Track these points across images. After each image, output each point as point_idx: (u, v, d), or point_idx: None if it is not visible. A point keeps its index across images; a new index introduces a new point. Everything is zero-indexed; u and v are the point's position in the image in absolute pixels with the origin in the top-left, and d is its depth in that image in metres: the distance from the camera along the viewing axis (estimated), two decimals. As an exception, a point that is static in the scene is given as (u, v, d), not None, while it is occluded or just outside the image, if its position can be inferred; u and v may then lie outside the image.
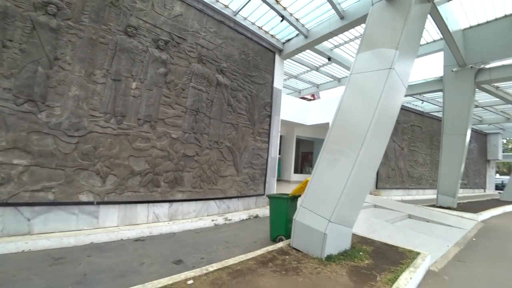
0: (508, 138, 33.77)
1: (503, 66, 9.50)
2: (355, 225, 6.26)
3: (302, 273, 3.34)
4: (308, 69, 12.12)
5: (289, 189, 13.79)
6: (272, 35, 7.93)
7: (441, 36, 9.77)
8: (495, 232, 7.73)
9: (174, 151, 5.69)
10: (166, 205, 5.64)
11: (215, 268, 3.39)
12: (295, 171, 17.31)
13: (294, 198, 4.76)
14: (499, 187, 23.58)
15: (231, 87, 6.83)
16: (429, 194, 15.13)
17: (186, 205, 5.96)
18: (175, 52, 5.78)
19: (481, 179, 21.93)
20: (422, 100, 13.43)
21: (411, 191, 14.63)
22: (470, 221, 8.75)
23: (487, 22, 9.32)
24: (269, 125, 7.85)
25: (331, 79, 15.43)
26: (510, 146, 37.56)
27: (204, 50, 6.26)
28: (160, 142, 5.49)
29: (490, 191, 22.45)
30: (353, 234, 5.22)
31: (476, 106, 13.90)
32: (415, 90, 11.63)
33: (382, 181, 13.01)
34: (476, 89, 10.72)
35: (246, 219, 6.87)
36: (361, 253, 4.11)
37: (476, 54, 9.50)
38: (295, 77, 13.53)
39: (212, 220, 6.13)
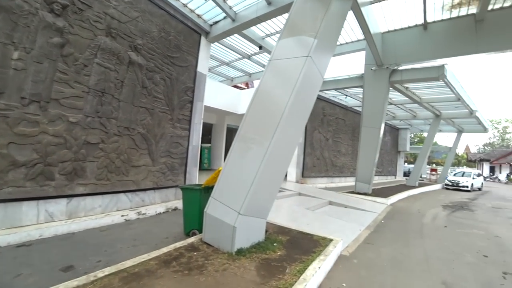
0: (415, 133, 39.13)
1: (412, 69, 10.65)
2: (275, 214, 6.32)
3: (207, 271, 3.07)
4: (240, 56, 11.88)
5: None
6: (198, 15, 7.37)
7: (364, 37, 10.51)
8: (400, 213, 8.69)
9: (72, 138, 4.82)
10: (63, 201, 4.79)
11: (106, 273, 2.90)
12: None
13: (208, 189, 4.45)
14: (406, 174, 27.28)
15: (147, 68, 6.11)
16: (350, 182, 16.50)
17: (90, 200, 5.17)
18: (76, 20, 4.85)
19: (393, 167, 24.95)
20: (346, 95, 14.42)
21: (334, 179, 15.74)
22: (381, 204, 9.71)
23: (402, 28, 10.29)
24: (191, 111, 7.32)
25: (263, 69, 15.51)
26: (416, 140, 43.63)
27: (114, 22, 5.41)
28: (53, 127, 4.57)
29: (400, 178, 25.76)
30: (271, 224, 5.20)
31: (390, 104, 15.49)
32: (339, 85, 12.38)
33: (308, 170, 13.67)
34: (390, 88, 11.87)
35: (164, 212, 6.36)
36: (275, 244, 4.03)
37: (391, 56, 10.43)
38: (227, 64, 13.17)
39: (123, 216, 5.47)
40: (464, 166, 40.77)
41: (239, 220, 3.58)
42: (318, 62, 4.19)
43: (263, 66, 12.94)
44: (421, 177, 22.75)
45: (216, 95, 14.18)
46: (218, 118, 17.10)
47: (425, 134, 38.76)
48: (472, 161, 43.26)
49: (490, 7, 8.73)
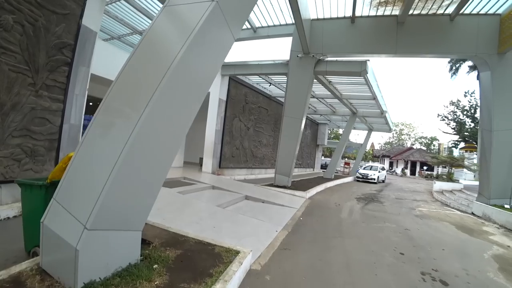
0: (331, 129, 42.18)
1: (337, 61, 10.48)
2: (175, 215, 4.96)
3: None
4: (155, 25, 10.02)
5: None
6: None
7: (293, 21, 9.91)
8: (318, 208, 8.36)
9: None
10: None
11: None
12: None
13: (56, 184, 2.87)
14: (323, 166, 28.95)
15: (-16, -2, 4.05)
16: (270, 173, 16.12)
17: None
18: None
19: (311, 160, 26.06)
20: (270, 83, 13.77)
21: (254, 171, 15.14)
22: (300, 198, 9.32)
23: (331, 18, 10.00)
24: (68, 77, 5.32)
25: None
26: (332, 136, 47.25)
27: None
28: None
29: (317, 170, 27.12)
30: (163, 231, 3.91)
31: (313, 97, 15.59)
32: (263, 70, 11.58)
33: (226, 161, 12.67)
34: (314, 81, 11.69)
35: (15, 216, 4.44)
36: (155, 266, 2.77)
37: (318, 45, 10.08)
38: (140, 33, 11.08)
39: None
40: (370, 161, 45.99)
41: (85, 238, 2.18)
42: (228, 14, 3.00)
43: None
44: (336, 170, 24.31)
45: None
46: (130, 98, 14.77)
47: (340, 131, 42.14)
48: (376, 157, 49.20)
49: (411, 12, 8.99)
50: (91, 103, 9.56)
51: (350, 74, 10.64)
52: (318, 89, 14.75)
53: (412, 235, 6.21)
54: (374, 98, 14.27)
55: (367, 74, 10.48)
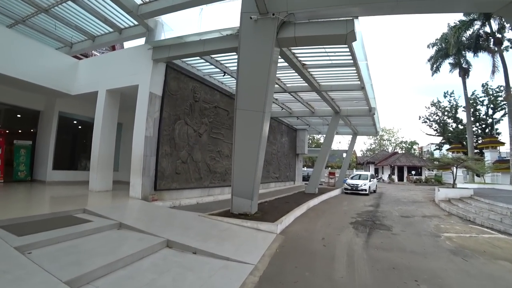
0: (311, 136, 39.29)
1: (310, 23, 7.14)
2: None
3: None
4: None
5: (39, 196, 7.72)
6: None
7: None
8: (293, 258, 4.73)
9: None
10: None
11: None
12: (57, 166, 11.08)
13: None
14: (306, 178, 25.57)
15: None
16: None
17: None
18: None
19: (291, 171, 22.56)
20: (224, 72, 10.17)
21: (213, 190, 11.35)
22: (267, 235, 5.76)
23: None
24: None
25: (110, 30, 10.13)
26: (313, 146, 44.39)
27: None
28: None
29: (299, 183, 23.64)
30: None
31: (285, 91, 12.30)
32: (208, 47, 7.94)
33: (167, 179, 8.83)
34: (286, 65, 8.36)
35: None
36: None
37: (281, 0, 6.81)
38: (46, 10, 7.39)
39: None
40: (354, 169, 43.30)
41: None
42: None
43: (109, 23, 7.79)
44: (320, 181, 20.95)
45: (33, 62, 8.74)
46: (47, 100, 11.79)
47: (321, 139, 39.13)
48: (360, 164, 46.71)
49: None
50: None
51: (331, 41, 7.30)
52: (289, 79, 11.49)
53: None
54: (363, 87, 11.06)
55: (355, 42, 7.25)
